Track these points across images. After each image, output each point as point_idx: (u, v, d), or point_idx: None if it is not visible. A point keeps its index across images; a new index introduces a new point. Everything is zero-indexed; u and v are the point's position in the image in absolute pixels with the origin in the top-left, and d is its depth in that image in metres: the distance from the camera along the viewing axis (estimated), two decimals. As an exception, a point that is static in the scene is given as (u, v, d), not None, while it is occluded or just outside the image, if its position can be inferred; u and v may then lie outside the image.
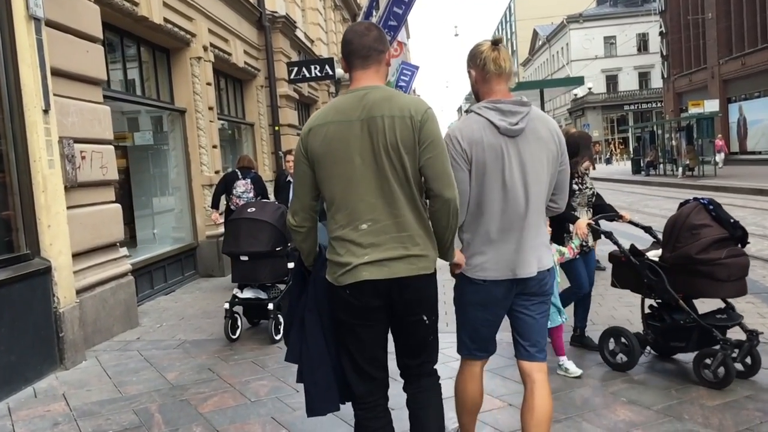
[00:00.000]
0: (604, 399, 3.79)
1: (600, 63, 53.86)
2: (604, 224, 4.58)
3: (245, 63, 11.44)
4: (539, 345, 2.69)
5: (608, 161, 48.62)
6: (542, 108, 9.40)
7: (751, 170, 25.41)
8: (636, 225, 4.60)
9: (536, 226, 2.61)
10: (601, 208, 4.73)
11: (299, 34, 15.30)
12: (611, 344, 4.31)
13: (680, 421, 3.43)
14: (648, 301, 4.31)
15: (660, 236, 4.39)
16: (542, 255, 2.63)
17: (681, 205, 4.17)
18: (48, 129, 4.93)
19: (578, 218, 4.31)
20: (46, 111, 4.88)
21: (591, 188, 4.62)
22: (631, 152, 37.70)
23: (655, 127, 31.61)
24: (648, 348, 4.33)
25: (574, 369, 4.18)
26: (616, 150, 51.44)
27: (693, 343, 4.02)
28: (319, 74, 13.45)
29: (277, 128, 12.71)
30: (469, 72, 2.67)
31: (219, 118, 10.79)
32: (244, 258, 5.34)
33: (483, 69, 2.57)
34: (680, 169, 25.83)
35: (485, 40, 2.64)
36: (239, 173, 7.97)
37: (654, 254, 4.26)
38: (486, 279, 2.57)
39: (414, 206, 2.30)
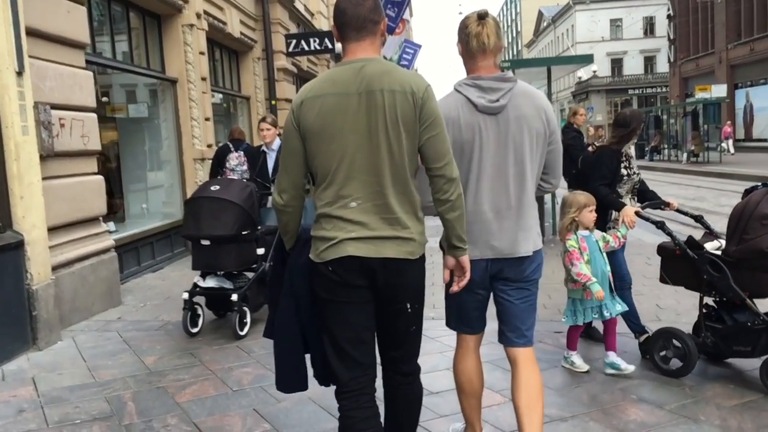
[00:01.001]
0: (613, 396, 3.51)
1: (605, 46, 53.07)
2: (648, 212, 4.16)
3: (241, 33, 11.03)
4: (519, 331, 2.63)
5: (610, 145, 48.08)
6: (549, 87, 9.03)
7: (757, 157, 25.06)
8: (685, 213, 4.17)
9: (520, 206, 2.53)
10: (645, 195, 4.30)
11: (299, 5, 14.84)
12: (663, 348, 3.82)
13: (696, 423, 3.16)
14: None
15: (712, 226, 4.02)
16: (525, 238, 2.54)
17: (746, 192, 3.73)
18: (22, 93, 4.58)
19: (624, 205, 3.93)
20: (19, 73, 4.53)
21: (638, 173, 4.25)
22: (635, 137, 37.24)
23: (660, 111, 31.19)
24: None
25: (581, 363, 3.90)
26: (618, 134, 50.79)
27: (761, 347, 3.55)
28: (318, 48, 13.05)
29: (273, 102, 12.33)
30: (457, 46, 2.60)
31: (213, 91, 10.42)
32: (206, 242, 4.70)
33: (467, 45, 2.50)
34: (685, 155, 25.51)
35: (474, 12, 2.52)
36: (231, 146, 7.68)
37: (711, 247, 3.81)
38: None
39: (406, 187, 2.20)
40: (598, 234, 3.84)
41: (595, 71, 50.98)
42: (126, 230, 7.43)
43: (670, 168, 23.93)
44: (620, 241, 3.88)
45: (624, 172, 4.12)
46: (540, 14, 67.37)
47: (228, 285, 4.94)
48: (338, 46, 13.11)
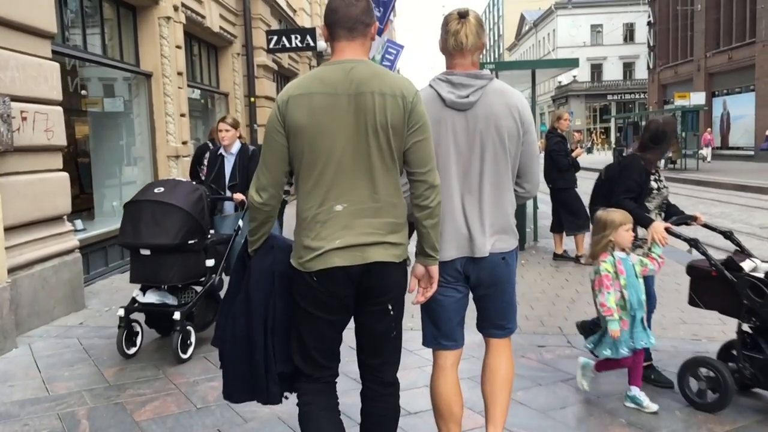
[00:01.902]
0: (601, 420, 3.33)
1: (585, 51, 53.45)
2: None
3: (221, 28, 10.74)
4: (501, 326, 2.66)
5: (589, 150, 48.59)
6: (533, 90, 8.90)
7: (733, 165, 25.37)
8: (713, 229, 3.76)
9: (490, 206, 2.49)
10: (669, 208, 3.96)
11: (281, 2, 14.57)
12: (695, 379, 3.44)
13: (687, 449, 3.00)
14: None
15: (743, 243, 3.70)
16: (500, 238, 2.52)
17: None
18: (-22, 83, 4.30)
19: (653, 221, 3.55)
20: (-24, 62, 4.25)
21: (667, 186, 3.91)
22: (613, 142, 37.59)
23: (639, 117, 31.42)
24: None
25: (648, 404, 3.41)
26: (597, 139, 51.36)
27: None
28: (300, 45, 12.82)
29: (252, 99, 12.06)
30: (438, 42, 2.58)
31: (190, 86, 10.11)
32: (145, 252, 4.16)
33: (445, 42, 2.49)
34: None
35: (455, 10, 2.49)
36: (210, 144, 7.41)
37: (749, 267, 3.40)
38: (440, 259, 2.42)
39: (394, 191, 2.18)
40: (635, 257, 3.46)
41: (575, 76, 51.36)
42: (94, 229, 7.11)
43: (649, 174, 24.02)
44: (658, 263, 3.46)
45: (653, 185, 3.76)
46: (522, 18, 67.68)
47: (171, 301, 4.39)
48: (320, 44, 12.88)
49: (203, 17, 9.91)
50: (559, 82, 53.49)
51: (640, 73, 50.96)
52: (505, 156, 2.48)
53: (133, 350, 4.32)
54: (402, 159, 2.17)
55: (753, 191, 16.08)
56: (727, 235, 3.68)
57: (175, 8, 8.62)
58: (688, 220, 3.75)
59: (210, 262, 4.48)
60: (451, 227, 2.47)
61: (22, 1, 4.95)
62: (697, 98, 26.74)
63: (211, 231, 4.66)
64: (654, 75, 39.13)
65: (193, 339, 4.32)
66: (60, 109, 5.49)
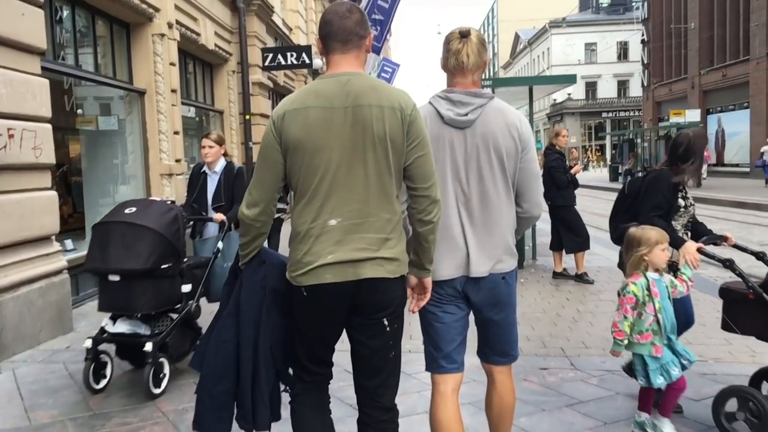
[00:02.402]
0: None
1: (580, 69, 53.79)
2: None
3: (216, 45, 10.68)
4: (505, 352, 2.62)
5: (585, 168, 48.74)
6: (530, 107, 8.83)
7: (729, 182, 25.37)
8: (743, 250, 3.54)
9: (488, 225, 2.45)
10: (697, 227, 3.68)
11: (277, 20, 14.55)
12: (733, 411, 3.23)
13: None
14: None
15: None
16: (496, 258, 2.46)
17: None
18: (-37, 100, 4.18)
19: (685, 241, 3.35)
20: (-39, 78, 4.14)
21: (694, 204, 3.71)
22: (608, 160, 37.67)
23: (634, 135, 31.52)
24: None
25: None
26: (593, 157, 51.48)
27: None
28: (295, 62, 12.74)
29: (248, 117, 11.96)
30: (440, 60, 2.58)
31: (185, 103, 10.03)
32: (114, 278, 3.83)
33: (446, 61, 2.48)
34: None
35: (457, 29, 2.49)
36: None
37: None
38: (437, 278, 2.41)
39: (391, 206, 2.15)
40: (667, 278, 3.24)
41: (569, 94, 51.61)
42: (85, 248, 6.92)
43: (645, 191, 24.00)
44: (688, 285, 3.25)
45: (681, 202, 3.54)
46: (516, 37, 68.15)
47: (143, 330, 4.05)
48: (316, 62, 12.83)
49: (198, 34, 9.86)
50: (554, 100, 53.72)
51: (634, 90, 51.26)
52: (503, 175, 2.45)
53: (102, 384, 4.02)
54: (401, 173, 2.16)
55: (751, 208, 16.03)
56: (760, 256, 3.45)
57: (170, 25, 8.56)
58: (717, 240, 3.53)
59: (186, 288, 4.17)
60: (450, 246, 2.43)
61: (9, 16, 4.86)
62: (693, 115, 26.84)
63: (193, 254, 4.49)
64: (648, 92, 39.34)
65: (167, 371, 4.01)
66: (49, 126, 5.38)
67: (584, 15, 57.82)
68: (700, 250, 3.28)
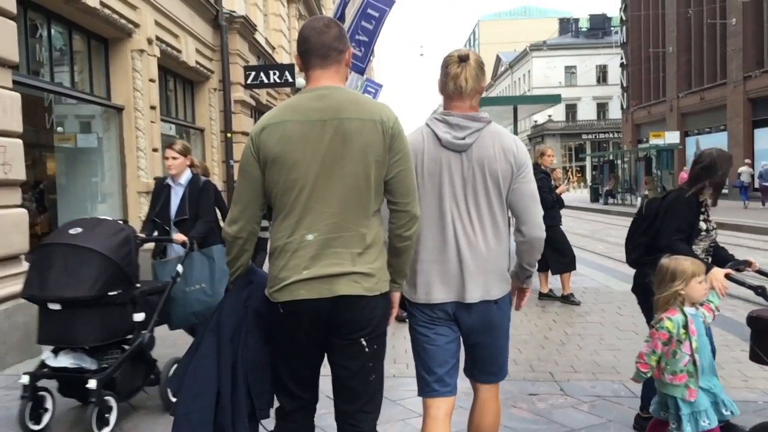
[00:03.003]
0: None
1: (560, 91, 54.33)
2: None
3: (197, 63, 10.56)
4: (490, 371, 2.57)
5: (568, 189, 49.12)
6: (515, 127, 8.80)
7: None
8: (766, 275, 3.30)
9: (483, 250, 2.40)
10: (718, 252, 3.45)
11: (259, 38, 14.48)
12: None
13: None
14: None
15: None
16: (494, 283, 2.43)
17: None
18: (-73, 113, 3.99)
19: (711, 267, 3.09)
20: (-75, 90, 3.95)
21: (716, 228, 3.48)
22: (588, 181, 38.02)
23: (614, 156, 31.86)
24: None
25: None
26: (573, 178, 51.98)
27: None
28: (278, 80, 12.69)
29: (229, 135, 11.81)
30: (437, 82, 2.55)
31: (165, 121, 9.87)
32: (55, 306, 3.42)
33: (444, 85, 2.47)
34: (639, 199, 25.94)
35: (456, 52, 2.46)
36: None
37: None
38: (429, 302, 2.41)
39: (369, 221, 2.12)
40: (700, 310, 2.94)
41: (550, 115, 52.27)
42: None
43: (626, 212, 24.17)
44: (714, 314, 2.99)
45: (702, 225, 3.32)
46: (498, 59, 69.05)
47: (89, 364, 3.56)
48: (299, 80, 12.76)
49: (179, 51, 9.73)
50: (535, 121, 54.32)
51: (614, 113, 52.06)
52: (499, 200, 2.42)
53: (42, 424, 3.58)
54: (382, 187, 2.13)
55: (730, 229, 16.15)
56: None
57: (149, 41, 8.42)
58: (741, 265, 3.29)
59: (139, 317, 3.74)
60: (444, 269, 2.40)
61: (-19, 28, 4.70)
62: (673, 137, 27.21)
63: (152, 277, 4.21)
64: (628, 115, 39.93)
65: (114, 411, 3.57)
66: (20, 141, 5.19)
67: (564, 39, 58.82)
68: (728, 276, 3.05)
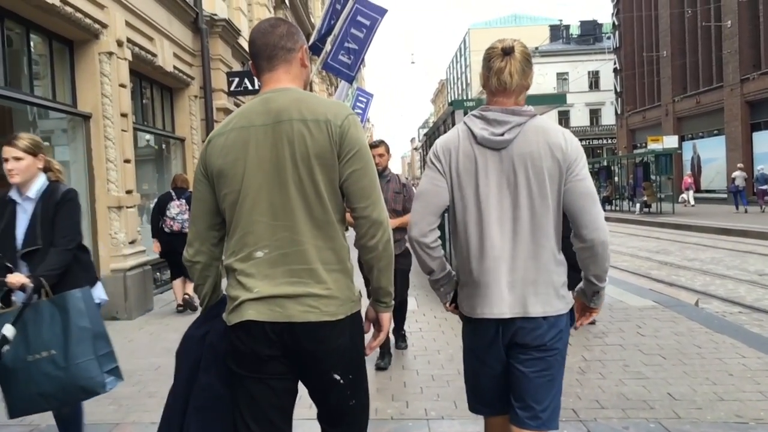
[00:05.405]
0: None
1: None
2: None
3: (175, 68, 9.90)
4: (532, 410, 2.18)
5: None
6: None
7: (707, 209, 25.24)
8: None
9: (530, 258, 2.13)
10: None
11: (243, 43, 13.86)
12: None
13: None
14: None
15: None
16: (536, 297, 2.13)
17: None
18: None
19: None
20: None
21: None
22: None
23: (611, 162, 31.44)
24: None
25: None
26: (568, 184, 51.69)
27: None
28: (262, 87, 12.04)
29: (211, 145, 11.15)
30: (480, 76, 2.35)
31: (142, 130, 9.23)
32: None
33: (487, 80, 2.23)
34: (638, 206, 25.48)
35: (499, 43, 2.19)
36: (173, 193, 7.56)
37: None
38: (472, 316, 2.21)
39: (325, 232, 1.91)
40: None
41: (544, 122, 52.03)
42: (13, 294, 6.01)
43: (624, 218, 23.72)
44: None
45: None
46: (490, 67, 68.90)
47: None
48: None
49: (154, 55, 9.07)
50: (529, 128, 54.16)
51: (607, 119, 51.88)
52: (544, 203, 2.12)
53: None
54: (338, 193, 1.92)
55: (737, 235, 15.59)
56: None
57: (119, 43, 7.76)
58: None
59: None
60: (486, 281, 2.15)
61: None
62: (671, 141, 26.81)
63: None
64: (622, 120, 39.57)
65: None
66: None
67: (555, 45, 58.70)
68: None
